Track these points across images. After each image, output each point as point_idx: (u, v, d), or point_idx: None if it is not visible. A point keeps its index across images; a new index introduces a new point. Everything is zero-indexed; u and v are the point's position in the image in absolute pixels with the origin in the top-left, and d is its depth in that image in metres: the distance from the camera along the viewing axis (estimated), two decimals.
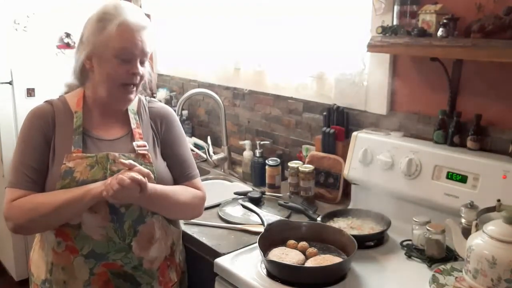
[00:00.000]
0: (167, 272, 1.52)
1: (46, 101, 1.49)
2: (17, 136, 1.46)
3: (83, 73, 1.47)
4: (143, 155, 1.44)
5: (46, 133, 1.42)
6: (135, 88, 1.44)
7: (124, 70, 1.39)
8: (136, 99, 1.54)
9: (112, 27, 1.37)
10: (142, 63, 1.43)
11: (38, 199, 1.36)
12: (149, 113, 1.55)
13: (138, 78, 1.43)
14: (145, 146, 1.46)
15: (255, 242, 1.47)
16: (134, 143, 1.45)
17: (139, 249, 1.43)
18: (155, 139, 1.52)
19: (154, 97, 2.96)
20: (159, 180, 1.43)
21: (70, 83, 1.53)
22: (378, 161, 1.74)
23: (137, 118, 1.51)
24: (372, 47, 1.66)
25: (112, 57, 1.38)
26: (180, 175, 1.53)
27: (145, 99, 1.59)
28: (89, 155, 1.39)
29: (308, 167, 1.94)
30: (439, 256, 1.46)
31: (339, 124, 1.97)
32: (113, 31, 1.36)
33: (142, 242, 1.43)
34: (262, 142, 2.25)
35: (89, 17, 1.43)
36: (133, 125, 1.49)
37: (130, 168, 1.33)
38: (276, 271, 1.37)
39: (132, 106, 1.53)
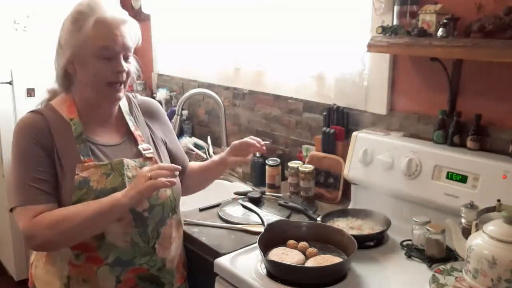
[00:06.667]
0: (181, 268, 1.56)
1: (32, 111, 1.38)
2: (11, 155, 1.33)
3: (66, 78, 1.40)
4: (150, 158, 1.44)
5: (44, 145, 1.32)
6: (122, 86, 1.38)
7: (109, 68, 1.33)
8: (124, 97, 1.50)
9: (88, 27, 1.30)
10: (126, 59, 1.37)
11: (64, 211, 1.28)
12: (141, 111, 1.54)
13: (124, 75, 1.37)
14: (149, 149, 1.45)
15: (255, 242, 1.47)
16: (140, 147, 1.44)
17: (162, 250, 1.44)
18: (153, 137, 1.52)
19: (154, 97, 2.96)
20: None
21: (53, 89, 1.46)
22: (378, 161, 1.74)
23: (133, 120, 1.49)
24: (372, 47, 1.65)
25: (93, 57, 1.32)
26: (182, 164, 1.55)
27: (133, 96, 1.55)
28: (103, 163, 1.35)
29: (308, 167, 1.94)
30: (439, 256, 1.46)
31: (339, 124, 1.97)
32: (90, 30, 1.30)
33: (164, 243, 1.44)
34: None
35: (65, 18, 1.36)
36: (132, 128, 1.47)
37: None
38: (276, 271, 1.37)
39: (124, 107, 1.49)
